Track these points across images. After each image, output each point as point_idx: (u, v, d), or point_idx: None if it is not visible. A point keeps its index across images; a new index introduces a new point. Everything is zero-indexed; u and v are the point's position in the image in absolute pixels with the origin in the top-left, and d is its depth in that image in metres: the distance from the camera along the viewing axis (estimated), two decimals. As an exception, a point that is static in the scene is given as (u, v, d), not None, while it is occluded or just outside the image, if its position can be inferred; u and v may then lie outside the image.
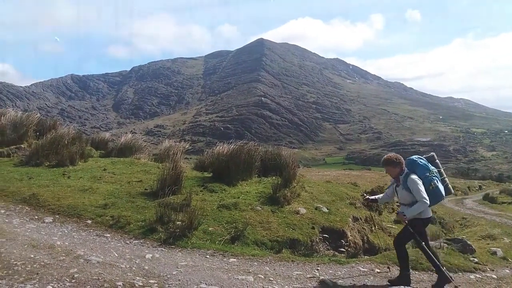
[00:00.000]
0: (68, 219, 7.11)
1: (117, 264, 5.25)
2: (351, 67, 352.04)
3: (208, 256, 5.98)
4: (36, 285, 4.29)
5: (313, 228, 7.90)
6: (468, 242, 8.07)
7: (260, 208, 8.09)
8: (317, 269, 5.88)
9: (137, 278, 4.80)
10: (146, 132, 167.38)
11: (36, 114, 14.36)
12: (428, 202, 5.30)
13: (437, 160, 5.90)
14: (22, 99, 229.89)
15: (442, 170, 5.87)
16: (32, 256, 5.15)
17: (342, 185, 13.46)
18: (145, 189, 8.75)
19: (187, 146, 13.23)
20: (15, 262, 4.86)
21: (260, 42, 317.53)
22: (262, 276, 5.29)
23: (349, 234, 8.48)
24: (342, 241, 8.23)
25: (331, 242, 8.01)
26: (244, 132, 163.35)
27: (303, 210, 8.48)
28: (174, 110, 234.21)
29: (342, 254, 7.80)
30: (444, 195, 5.58)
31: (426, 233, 5.77)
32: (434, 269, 5.79)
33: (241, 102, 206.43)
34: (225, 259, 5.92)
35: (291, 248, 7.03)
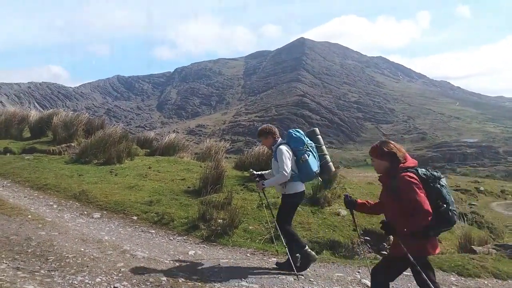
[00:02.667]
0: (115, 215, 7.41)
1: (161, 259, 5.42)
2: (395, 65, 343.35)
3: (248, 255, 6.06)
4: (87, 277, 4.51)
5: (354, 230, 7.80)
6: (519, 249, 7.70)
7: (300, 209, 8.07)
8: (358, 272, 5.81)
9: (180, 274, 4.94)
10: (188, 131, 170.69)
11: (85, 114, 15.03)
12: (287, 174, 5.06)
13: (318, 136, 5.63)
14: (72, 99, 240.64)
15: (323, 146, 5.58)
16: (82, 249, 5.42)
17: (384, 187, 13.18)
18: (188, 187, 8.96)
19: (227, 146, 13.40)
20: (67, 255, 5.13)
21: (301, 42, 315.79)
22: (303, 277, 5.29)
23: (391, 237, 8.30)
24: (384, 244, 8.07)
25: (372, 245, 7.89)
26: (283, 132, 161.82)
27: (344, 212, 8.39)
28: (214, 110, 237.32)
29: (384, 257, 7.66)
30: (315, 171, 5.25)
31: (294, 210, 5.61)
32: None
33: (281, 101, 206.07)
34: (265, 258, 5.97)
35: (331, 250, 6.98)
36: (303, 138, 5.39)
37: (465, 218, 13.03)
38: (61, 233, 6.09)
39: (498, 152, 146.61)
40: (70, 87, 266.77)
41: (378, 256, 7.60)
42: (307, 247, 5.41)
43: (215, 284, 4.75)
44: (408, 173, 3.57)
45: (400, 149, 3.76)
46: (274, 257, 6.05)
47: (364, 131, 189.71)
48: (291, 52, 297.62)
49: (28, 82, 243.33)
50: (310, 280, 5.22)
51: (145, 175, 10.10)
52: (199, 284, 4.70)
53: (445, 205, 3.51)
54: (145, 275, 4.76)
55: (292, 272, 5.22)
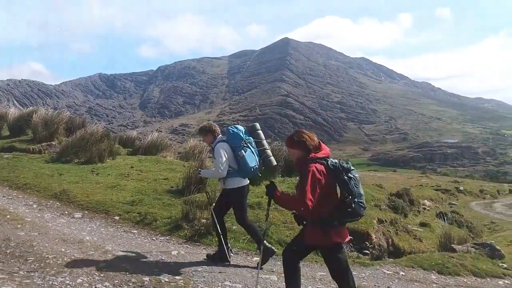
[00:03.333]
0: (97, 215, 7.32)
1: (144, 259, 5.37)
2: (377, 66, 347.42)
3: (232, 254, 6.04)
4: (67, 278, 4.44)
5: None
6: (497, 247, 7.87)
7: (283, 208, 8.11)
8: (341, 270, 5.85)
9: (164, 274, 4.90)
10: (171, 130, 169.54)
11: (66, 112, 14.79)
12: (221, 171, 5.25)
13: (258, 131, 5.72)
14: (52, 97, 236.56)
15: (264, 141, 5.68)
16: (63, 250, 5.33)
17: (366, 187, 13.33)
18: (171, 187, 8.91)
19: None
20: (47, 256, 5.05)
21: (285, 42, 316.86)
22: (229, 263, 5.33)
23: (373, 236, 8.40)
24: (367, 243, 8.16)
25: (355, 244, 7.96)
26: (267, 131, 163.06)
27: (327, 211, 8.44)
28: (198, 109, 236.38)
29: (367, 256, 7.74)
30: (252, 166, 5.36)
31: (245, 204, 5.73)
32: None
33: (265, 101, 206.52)
34: (249, 258, 5.97)
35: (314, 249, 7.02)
36: (240, 134, 5.46)
37: (446, 217, 13.28)
38: (41, 233, 5.99)
39: (477, 153, 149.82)
40: (51, 85, 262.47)
41: (360, 255, 7.68)
42: (265, 241, 5.44)
43: (198, 284, 4.73)
44: (317, 164, 3.63)
45: (312, 138, 3.82)
46: (258, 257, 6.06)
47: (347, 131, 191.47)
48: (275, 52, 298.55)
49: (7, 80, 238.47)
50: (294, 280, 5.23)
51: (127, 174, 9.99)
52: (182, 284, 4.68)
53: (350, 197, 3.57)
54: (127, 275, 4.71)
55: (226, 263, 5.45)
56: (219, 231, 5.51)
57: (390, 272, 6.06)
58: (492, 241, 8.68)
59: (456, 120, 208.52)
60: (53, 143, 12.96)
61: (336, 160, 3.74)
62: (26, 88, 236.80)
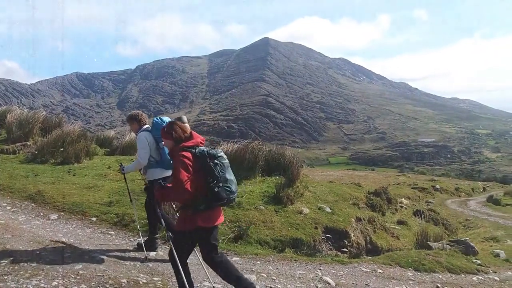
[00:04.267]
0: (73, 216, 7.18)
1: (122, 261, 5.30)
2: (356, 66, 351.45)
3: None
4: (42, 281, 4.35)
5: (316, 228, 7.93)
6: (471, 244, 8.08)
7: (263, 208, 8.13)
8: (320, 269, 5.91)
9: (141, 275, 4.85)
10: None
11: (42, 112, 14.46)
12: (142, 161, 5.36)
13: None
14: (28, 96, 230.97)
15: None
16: (37, 252, 5.21)
17: (345, 185, 13.48)
18: (150, 187, 8.80)
19: (191, 145, 13.26)
20: (20, 258, 4.93)
21: (265, 41, 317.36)
22: (265, 275, 5.33)
23: (352, 234, 8.50)
24: (345, 241, 8.25)
25: (334, 242, 8.04)
26: (248, 131, 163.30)
27: (306, 210, 8.51)
28: (178, 109, 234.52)
29: (345, 254, 7.83)
30: None
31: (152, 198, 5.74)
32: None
33: (245, 101, 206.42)
34: (228, 258, 5.94)
35: (294, 248, 7.06)
36: (164, 124, 5.48)
37: (422, 215, 13.53)
38: (15, 235, 5.84)
39: (453, 152, 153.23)
40: (26, 84, 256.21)
41: (339, 253, 7.76)
42: (157, 236, 5.81)
43: (177, 285, 4.69)
44: (184, 152, 3.81)
45: (184, 130, 4.02)
46: (237, 256, 6.06)
47: (327, 131, 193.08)
48: (255, 51, 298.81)
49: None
50: (273, 278, 5.26)
51: (105, 175, 9.84)
52: (160, 285, 4.64)
53: (214, 182, 3.73)
54: (105, 277, 4.64)
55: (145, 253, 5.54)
56: (162, 223, 5.49)
57: (368, 270, 6.15)
58: (467, 238, 8.91)
59: (433, 119, 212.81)
60: (28, 143, 12.65)
61: (204, 148, 3.91)
62: (0, 87, 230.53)
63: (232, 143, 10.65)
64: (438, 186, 30.99)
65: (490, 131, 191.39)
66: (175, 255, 3.93)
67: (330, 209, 9.13)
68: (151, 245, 5.75)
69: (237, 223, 7.25)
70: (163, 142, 5.11)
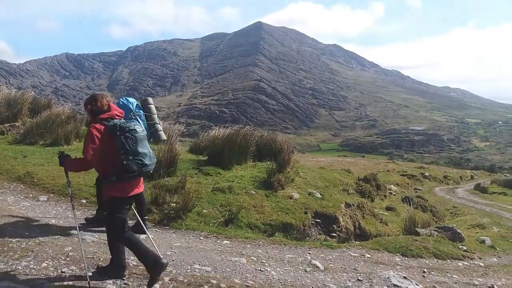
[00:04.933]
0: (63, 198, 7.14)
1: (112, 243, 5.29)
2: (349, 53, 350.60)
3: (202, 238, 6.05)
4: (32, 262, 4.33)
5: (305, 213, 7.99)
6: (458, 231, 8.22)
7: (254, 192, 8.16)
8: (309, 253, 5.97)
9: (131, 258, 4.84)
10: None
11: (31, 92, 14.23)
12: None
13: (150, 105, 5.97)
14: (16, 76, 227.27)
15: (155, 115, 5.93)
16: (27, 233, 5.18)
17: (335, 172, 13.58)
18: (140, 170, 8.76)
19: (182, 129, 13.20)
20: (9, 239, 4.89)
21: (258, 26, 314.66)
22: (255, 259, 5.37)
23: (341, 219, 8.59)
24: (334, 226, 8.34)
25: (323, 227, 8.13)
26: (239, 116, 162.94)
27: (296, 195, 8.56)
28: (169, 92, 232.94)
29: (334, 239, 7.93)
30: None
31: None
32: None
33: (237, 86, 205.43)
34: (218, 241, 5.99)
35: (283, 232, 7.13)
36: (130, 106, 5.61)
37: (411, 202, 13.70)
38: (3, 216, 5.79)
39: (443, 140, 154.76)
40: (14, 64, 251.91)
41: (328, 238, 7.85)
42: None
43: (168, 267, 4.71)
44: (97, 124, 3.96)
45: (102, 103, 4.14)
46: (228, 240, 6.09)
47: (318, 117, 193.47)
48: (248, 36, 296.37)
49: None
50: (262, 262, 5.30)
51: (96, 157, 9.76)
52: (151, 267, 4.64)
53: (124, 154, 3.85)
54: (95, 259, 4.65)
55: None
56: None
57: (357, 255, 6.23)
58: (454, 225, 9.05)
59: (424, 108, 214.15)
60: (17, 124, 12.48)
61: (118, 121, 4.02)
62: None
63: (223, 128, 10.62)
64: (427, 174, 31.37)
65: (479, 121, 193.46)
66: (109, 223, 4.16)
67: (320, 194, 9.20)
68: (98, 220, 5.81)
69: (228, 207, 7.27)
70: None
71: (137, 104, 5.75)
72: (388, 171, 30.18)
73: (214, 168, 9.27)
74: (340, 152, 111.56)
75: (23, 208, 6.36)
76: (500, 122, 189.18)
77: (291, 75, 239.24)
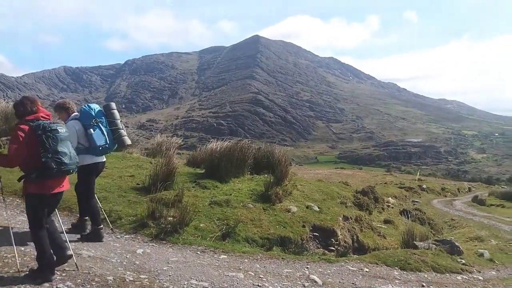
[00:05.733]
0: (60, 212, 7.06)
1: (108, 258, 5.25)
2: (345, 66, 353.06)
3: (199, 253, 6.01)
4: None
5: (303, 226, 7.96)
6: (456, 244, 8.18)
7: (251, 206, 8.13)
8: (307, 267, 5.93)
9: (128, 273, 4.81)
10: (139, 126, 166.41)
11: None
12: None
13: (113, 110, 6.04)
14: (14, 89, 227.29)
15: (118, 121, 6.00)
16: (22, 249, 5.14)
17: (333, 184, 13.55)
18: (137, 184, 8.74)
19: (180, 142, 13.20)
20: (5, 255, 4.85)
21: (256, 39, 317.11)
22: (253, 273, 5.33)
23: (339, 233, 8.55)
24: (332, 240, 8.30)
25: (321, 241, 8.08)
26: (237, 128, 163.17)
27: (294, 209, 8.53)
28: (167, 105, 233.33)
29: (332, 253, 7.88)
30: (100, 144, 5.70)
31: (90, 182, 5.98)
32: None
33: (235, 98, 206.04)
34: (215, 256, 5.94)
35: (281, 246, 7.08)
36: (92, 113, 5.72)
37: (409, 215, 13.66)
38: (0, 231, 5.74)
39: (440, 152, 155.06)
40: (12, 77, 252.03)
41: (326, 251, 7.80)
42: (101, 226, 5.94)
43: (164, 282, 4.67)
44: (22, 125, 4.17)
45: (32, 104, 4.32)
46: (225, 254, 6.05)
47: (316, 130, 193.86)
48: (246, 49, 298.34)
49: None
50: (260, 277, 5.26)
51: (92, 171, 9.72)
52: (147, 283, 4.60)
53: (43, 152, 4.06)
54: (91, 274, 4.60)
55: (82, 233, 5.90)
56: (93, 216, 5.92)
57: (355, 269, 6.19)
58: (452, 238, 9.02)
59: (420, 120, 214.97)
60: (14, 137, 12.45)
61: (42, 122, 4.20)
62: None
63: (221, 141, 10.63)
64: (424, 186, 31.34)
65: (476, 132, 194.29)
66: (32, 217, 4.33)
67: (318, 207, 9.17)
68: (82, 227, 5.99)
69: (225, 221, 7.23)
70: (91, 129, 5.57)
71: (99, 110, 5.85)
72: (385, 183, 30.13)
73: (212, 181, 9.25)
74: (338, 164, 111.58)
75: (19, 223, 6.33)
76: (496, 134, 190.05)
77: (288, 87, 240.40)
